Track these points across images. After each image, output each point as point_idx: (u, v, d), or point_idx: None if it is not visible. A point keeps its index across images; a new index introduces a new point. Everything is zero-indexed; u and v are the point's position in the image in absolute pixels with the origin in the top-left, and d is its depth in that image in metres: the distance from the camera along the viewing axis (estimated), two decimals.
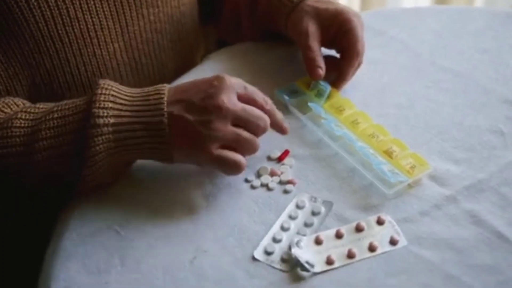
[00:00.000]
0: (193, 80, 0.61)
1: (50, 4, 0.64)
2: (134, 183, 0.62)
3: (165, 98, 0.58)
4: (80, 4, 0.67)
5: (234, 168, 0.58)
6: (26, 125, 0.59)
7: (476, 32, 0.82)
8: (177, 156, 0.58)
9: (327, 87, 0.69)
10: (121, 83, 0.75)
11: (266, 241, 0.56)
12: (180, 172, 0.62)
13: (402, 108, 0.70)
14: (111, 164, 0.58)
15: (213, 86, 0.58)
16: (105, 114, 0.57)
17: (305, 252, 0.55)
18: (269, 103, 0.62)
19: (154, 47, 0.78)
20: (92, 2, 0.68)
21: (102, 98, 0.57)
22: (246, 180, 0.62)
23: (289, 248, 0.55)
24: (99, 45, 0.71)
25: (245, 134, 0.59)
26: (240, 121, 0.58)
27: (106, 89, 0.58)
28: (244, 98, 0.60)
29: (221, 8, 0.86)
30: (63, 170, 0.58)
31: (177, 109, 0.57)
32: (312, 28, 0.71)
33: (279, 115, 0.63)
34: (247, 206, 0.59)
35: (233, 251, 0.55)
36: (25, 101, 0.65)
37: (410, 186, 0.61)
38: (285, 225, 0.57)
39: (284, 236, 0.57)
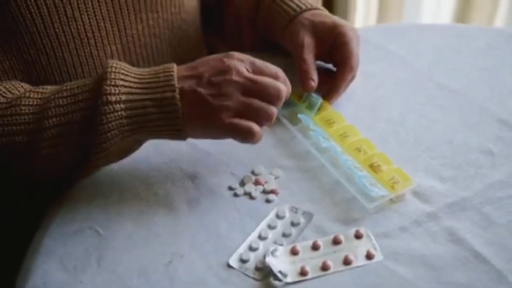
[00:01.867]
0: (203, 58, 0.62)
1: (48, 1, 0.66)
2: (120, 184, 0.63)
3: (175, 75, 0.59)
4: (77, 4, 0.68)
5: (247, 135, 0.59)
6: (35, 103, 0.59)
7: (477, 50, 0.81)
8: (190, 131, 0.59)
9: (318, 100, 0.70)
10: None
11: (242, 249, 0.57)
12: (165, 176, 0.63)
13: (393, 123, 0.70)
14: (123, 142, 0.59)
15: (222, 62, 0.60)
16: (117, 91, 0.58)
17: (279, 262, 0.55)
18: (280, 75, 0.62)
19: (152, 51, 0.79)
20: (90, 3, 0.69)
21: (112, 76, 0.58)
22: (230, 188, 0.63)
23: (265, 257, 0.55)
24: (96, 46, 0.72)
25: (257, 102, 0.59)
26: (251, 91, 0.59)
27: (116, 67, 0.59)
28: (255, 72, 0.61)
29: (223, 19, 0.87)
30: (72, 149, 0.59)
31: (188, 84, 0.59)
32: (307, 40, 0.72)
33: (289, 84, 0.63)
34: (228, 213, 0.60)
35: (209, 257, 0.56)
36: (28, 85, 0.65)
37: (392, 201, 0.60)
38: (263, 234, 0.58)
39: (261, 245, 0.57)
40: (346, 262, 0.55)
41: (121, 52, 0.75)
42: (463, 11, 1.63)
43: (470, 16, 1.63)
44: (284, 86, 0.61)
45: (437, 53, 0.81)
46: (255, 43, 0.83)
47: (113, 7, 0.72)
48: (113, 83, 0.58)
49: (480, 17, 1.61)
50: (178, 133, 0.60)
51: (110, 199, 0.61)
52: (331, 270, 0.55)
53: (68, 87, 0.60)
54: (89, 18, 0.70)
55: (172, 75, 0.59)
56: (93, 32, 0.71)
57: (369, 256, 0.55)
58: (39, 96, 0.60)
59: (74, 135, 0.58)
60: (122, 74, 0.59)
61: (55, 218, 0.60)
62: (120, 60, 0.75)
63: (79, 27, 0.69)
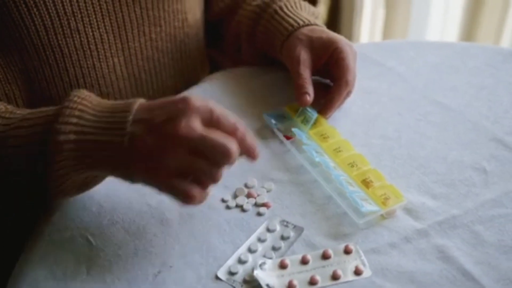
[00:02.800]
0: (163, 99, 0.57)
1: (51, 14, 0.67)
2: (113, 194, 0.63)
3: (131, 117, 0.55)
4: (81, 16, 0.69)
5: (184, 198, 0.54)
6: None
7: (475, 68, 0.81)
8: (136, 179, 0.56)
9: (313, 114, 0.70)
10: (120, 97, 0.78)
11: (231, 261, 0.57)
12: None
13: (388, 139, 0.70)
14: (75, 179, 0.58)
15: (176, 108, 0.55)
16: (67, 130, 0.56)
17: (267, 275, 0.55)
18: (239, 128, 0.56)
19: (154, 64, 0.80)
20: (93, 16, 0.71)
21: (67, 113, 0.56)
22: (223, 200, 0.63)
23: (253, 270, 0.55)
24: (99, 58, 0.73)
25: (201, 163, 0.54)
26: (197, 149, 0.54)
27: (75, 102, 0.57)
28: (211, 123, 0.55)
29: (224, 33, 0.88)
30: (31, 180, 0.58)
31: (140, 129, 0.55)
32: (304, 56, 0.72)
33: (249, 140, 0.57)
34: (219, 225, 0.60)
35: (198, 268, 0.56)
36: (8, 106, 0.64)
37: (383, 217, 0.60)
38: (253, 247, 0.58)
39: (250, 258, 0.57)
40: (334, 277, 0.55)
41: (123, 64, 0.76)
42: (470, 29, 1.64)
43: (476, 34, 1.63)
44: (235, 147, 0.54)
45: (435, 70, 0.81)
46: (254, 58, 0.83)
47: (117, 20, 0.73)
48: (66, 120, 0.56)
49: (487, 36, 1.61)
50: (125, 178, 0.57)
51: (102, 208, 0.62)
52: (319, 285, 0.55)
53: (31, 116, 0.59)
54: (92, 31, 0.71)
55: (127, 116, 0.55)
56: (96, 45, 0.72)
57: (357, 272, 0.55)
58: (3, 122, 0.59)
59: (30, 164, 0.57)
60: (78, 110, 0.57)
61: (47, 226, 0.61)
62: (122, 72, 0.76)
63: (82, 39, 0.70)
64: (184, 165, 0.54)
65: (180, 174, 0.54)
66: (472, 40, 1.63)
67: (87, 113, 0.57)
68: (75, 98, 0.58)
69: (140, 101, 0.58)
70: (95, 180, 0.61)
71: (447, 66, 0.82)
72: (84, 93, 0.59)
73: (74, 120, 0.56)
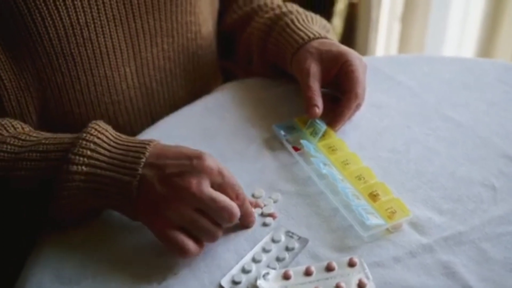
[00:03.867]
0: (180, 148, 0.59)
1: (65, 23, 0.68)
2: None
3: (144, 159, 0.57)
4: (94, 26, 0.70)
5: (180, 252, 0.56)
6: (12, 150, 0.60)
7: (487, 84, 0.81)
8: (139, 219, 0.58)
9: (322, 126, 0.70)
10: (131, 106, 0.79)
11: (235, 270, 0.57)
12: None
13: (396, 152, 0.70)
14: (77, 208, 0.59)
15: (190, 164, 0.57)
16: (81, 161, 0.57)
17: (270, 286, 0.55)
18: (240, 197, 0.59)
19: (166, 74, 0.81)
20: (106, 26, 0.72)
21: (83, 144, 0.58)
22: None
23: (256, 279, 0.56)
24: (111, 67, 0.74)
25: (203, 222, 0.56)
26: (204, 208, 0.56)
27: (92, 135, 0.59)
28: (219, 186, 0.58)
29: (236, 45, 0.89)
30: (34, 202, 0.59)
31: (152, 174, 0.57)
32: (314, 68, 0.73)
33: (246, 208, 0.60)
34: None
35: (202, 276, 0.56)
36: (24, 125, 0.67)
37: (389, 231, 0.60)
38: (257, 257, 0.58)
39: (254, 268, 0.57)
40: None
41: (134, 74, 0.77)
42: (487, 45, 1.63)
43: (494, 50, 1.62)
44: (237, 211, 0.57)
45: (446, 85, 0.81)
46: (264, 70, 0.84)
47: (129, 31, 0.74)
48: (80, 152, 0.58)
49: (504, 51, 1.60)
50: (129, 216, 0.59)
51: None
52: None
53: (46, 142, 0.60)
54: (105, 40, 0.72)
55: (141, 158, 0.57)
56: (108, 54, 0.73)
57: (361, 285, 0.55)
58: (19, 143, 0.61)
59: (38, 187, 0.58)
60: (93, 143, 0.58)
61: (55, 230, 0.61)
62: (133, 81, 0.77)
63: (94, 48, 0.71)
64: (186, 220, 0.56)
65: (180, 227, 0.56)
66: (489, 56, 1.63)
67: (102, 147, 0.59)
68: (92, 131, 0.59)
69: (155, 143, 0.59)
70: (96, 213, 0.62)
71: (459, 82, 0.82)
72: (102, 125, 0.61)
73: (88, 153, 0.58)
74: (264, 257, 0.58)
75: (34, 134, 0.63)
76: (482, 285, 0.55)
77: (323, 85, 0.74)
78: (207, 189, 0.56)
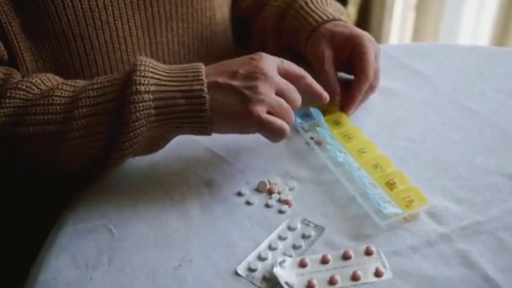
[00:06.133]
0: (231, 59, 0.63)
1: (84, 5, 0.68)
2: (136, 186, 0.64)
3: (203, 71, 0.61)
4: (112, 10, 0.70)
5: (279, 133, 0.60)
6: (67, 95, 0.61)
7: (503, 73, 0.80)
8: (217, 124, 0.60)
9: (318, 116, 0.70)
10: None
11: (251, 257, 0.57)
12: (181, 180, 0.64)
13: (412, 141, 0.69)
14: (149, 135, 0.60)
15: (254, 59, 0.62)
16: (146, 82, 0.59)
17: (286, 273, 0.55)
18: (305, 73, 0.65)
19: (180, 60, 0.80)
20: (124, 10, 0.71)
21: (143, 68, 0.60)
22: (243, 196, 0.63)
23: (273, 267, 0.55)
24: (127, 51, 0.74)
25: (286, 103, 0.61)
26: (281, 92, 0.61)
27: (146, 61, 0.61)
28: (282, 72, 0.63)
29: (251, 30, 0.88)
30: (99, 140, 0.60)
31: (222, 78, 0.60)
32: (328, 52, 0.72)
33: (316, 85, 0.66)
34: (240, 221, 0.60)
35: (218, 263, 0.56)
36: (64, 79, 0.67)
37: (406, 220, 0.60)
38: (273, 245, 0.58)
39: (270, 255, 0.57)
40: (354, 278, 0.55)
41: (150, 58, 0.76)
42: (502, 34, 1.61)
43: (508, 39, 1.61)
44: (300, 96, 0.63)
45: (462, 74, 0.80)
46: (279, 54, 0.83)
47: (146, 15, 0.74)
48: (143, 74, 0.59)
49: None
50: (204, 126, 0.60)
51: (125, 200, 0.62)
52: (338, 285, 0.54)
53: (99, 80, 0.62)
54: (122, 24, 0.72)
55: (200, 71, 0.61)
56: (124, 38, 0.73)
57: (378, 274, 0.55)
58: (71, 89, 0.62)
59: (102, 125, 0.59)
60: (152, 68, 0.61)
61: (71, 215, 0.61)
62: None
63: (112, 32, 0.71)
64: (277, 104, 0.60)
65: (271, 111, 0.60)
66: (504, 45, 1.61)
67: (160, 69, 0.61)
68: (143, 60, 0.61)
69: (201, 63, 0.62)
70: (164, 140, 0.64)
71: (475, 71, 0.81)
72: (147, 58, 0.62)
73: (151, 74, 0.60)
74: (280, 245, 0.58)
75: (81, 81, 0.64)
76: (500, 274, 0.54)
77: (338, 67, 0.73)
78: (279, 76, 0.62)
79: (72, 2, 0.67)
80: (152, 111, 0.59)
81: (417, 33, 1.69)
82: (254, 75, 0.60)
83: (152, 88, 0.59)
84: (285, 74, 0.63)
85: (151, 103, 0.58)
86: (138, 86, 0.58)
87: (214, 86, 0.60)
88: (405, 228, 0.59)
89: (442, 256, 0.56)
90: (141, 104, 0.58)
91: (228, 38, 0.87)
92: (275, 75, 0.61)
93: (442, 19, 1.61)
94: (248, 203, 0.62)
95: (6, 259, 0.74)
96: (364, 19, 1.69)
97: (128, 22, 0.73)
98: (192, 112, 0.59)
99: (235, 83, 0.60)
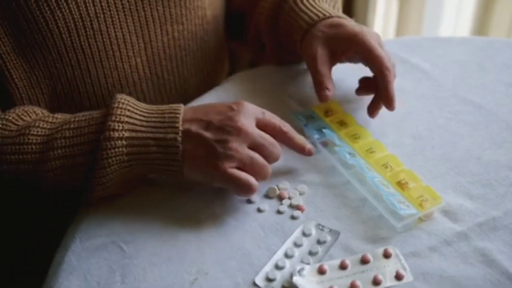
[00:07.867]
0: (211, 103, 0.62)
1: (75, 16, 0.66)
2: (143, 200, 0.62)
3: (181, 117, 0.59)
4: (104, 17, 0.68)
5: (246, 189, 0.59)
6: (43, 133, 0.60)
7: (501, 64, 0.80)
8: (188, 174, 0.59)
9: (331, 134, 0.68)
10: (142, 97, 0.77)
11: (268, 267, 0.55)
12: (190, 192, 0.62)
13: (419, 138, 0.69)
14: (122, 177, 0.60)
15: (232, 109, 0.60)
16: (120, 127, 0.58)
17: (306, 281, 0.54)
18: (286, 126, 0.63)
19: (177, 63, 0.79)
20: (116, 16, 0.69)
21: (118, 112, 0.59)
22: (255, 203, 0.62)
23: (291, 276, 0.54)
24: (121, 58, 0.72)
25: (260, 158, 0.59)
26: (256, 146, 0.59)
27: (123, 103, 0.60)
28: (261, 124, 0.61)
29: (247, 25, 0.86)
30: (75, 180, 0.60)
31: (196, 127, 0.59)
32: (320, 52, 0.70)
33: (299, 137, 0.64)
34: (253, 230, 0.59)
35: (235, 275, 0.55)
36: (44, 111, 0.66)
37: (421, 219, 0.59)
38: (289, 252, 0.57)
39: (287, 264, 0.56)
40: (376, 282, 0.54)
41: (146, 64, 0.75)
42: (482, 24, 1.62)
43: (489, 29, 1.61)
44: (280, 149, 0.61)
45: (461, 67, 0.80)
46: (275, 50, 0.81)
47: (139, 20, 0.72)
48: (118, 119, 0.59)
49: (499, 30, 1.59)
50: (175, 174, 0.60)
51: (132, 214, 0.61)
52: None
53: (76, 119, 0.61)
54: (115, 31, 0.70)
55: (177, 117, 0.59)
56: (118, 45, 0.71)
57: (398, 277, 0.54)
58: (48, 126, 0.61)
59: (78, 165, 0.59)
60: (128, 110, 0.60)
61: (77, 233, 0.59)
62: (145, 72, 0.75)
63: (104, 40, 0.69)
64: (246, 158, 0.58)
65: (240, 167, 0.58)
66: (484, 34, 1.62)
67: (136, 113, 0.60)
68: (121, 100, 0.60)
69: (182, 105, 0.61)
70: (138, 180, 0.63)
71: (473, 63, 0.81)
72: (127, 97, 0.61)
73: (126, 119, 0.59)
74: (297, 252, 0.57)
75: (59, 116, 0.63)
76: None
77: (342, 61, 0.72)
78: (256, 128, 0.60)
79: (63, 13, 0.65)
80: (125, 157, 0.58)
81: (401, 26, 1.69)
82: (227, 129, 0.59)
83: (126, 134, 0.58)
84: (264, 127, 0.61)
85: (123, 149, 0.58)
86: (111, 132, 0.58)
87: (187, 135, 0.59)
88: (420, 228, 0.58)
89: (462, 255, 0.55)
90: (113, 151, 0.58)
91: (220, 36, 0.86)
92: (250, 128, 0.59)
93: (424, 11, 1.61)
94: (259, 210, 0.61)
95: (15, 273, 0.72)
96: (347, 12, 1.68)
97: (121, 28, 0.70)
98: (165, 160, 0.59)
99: (207, 135, 0.58)
